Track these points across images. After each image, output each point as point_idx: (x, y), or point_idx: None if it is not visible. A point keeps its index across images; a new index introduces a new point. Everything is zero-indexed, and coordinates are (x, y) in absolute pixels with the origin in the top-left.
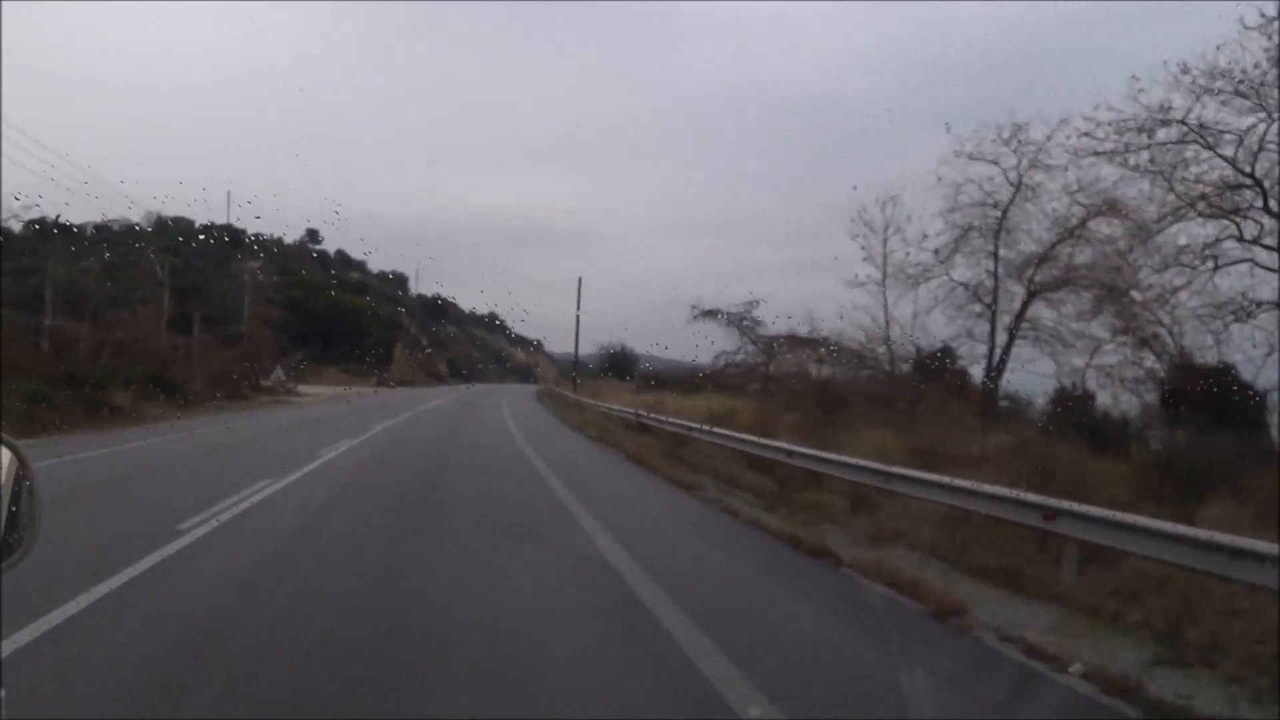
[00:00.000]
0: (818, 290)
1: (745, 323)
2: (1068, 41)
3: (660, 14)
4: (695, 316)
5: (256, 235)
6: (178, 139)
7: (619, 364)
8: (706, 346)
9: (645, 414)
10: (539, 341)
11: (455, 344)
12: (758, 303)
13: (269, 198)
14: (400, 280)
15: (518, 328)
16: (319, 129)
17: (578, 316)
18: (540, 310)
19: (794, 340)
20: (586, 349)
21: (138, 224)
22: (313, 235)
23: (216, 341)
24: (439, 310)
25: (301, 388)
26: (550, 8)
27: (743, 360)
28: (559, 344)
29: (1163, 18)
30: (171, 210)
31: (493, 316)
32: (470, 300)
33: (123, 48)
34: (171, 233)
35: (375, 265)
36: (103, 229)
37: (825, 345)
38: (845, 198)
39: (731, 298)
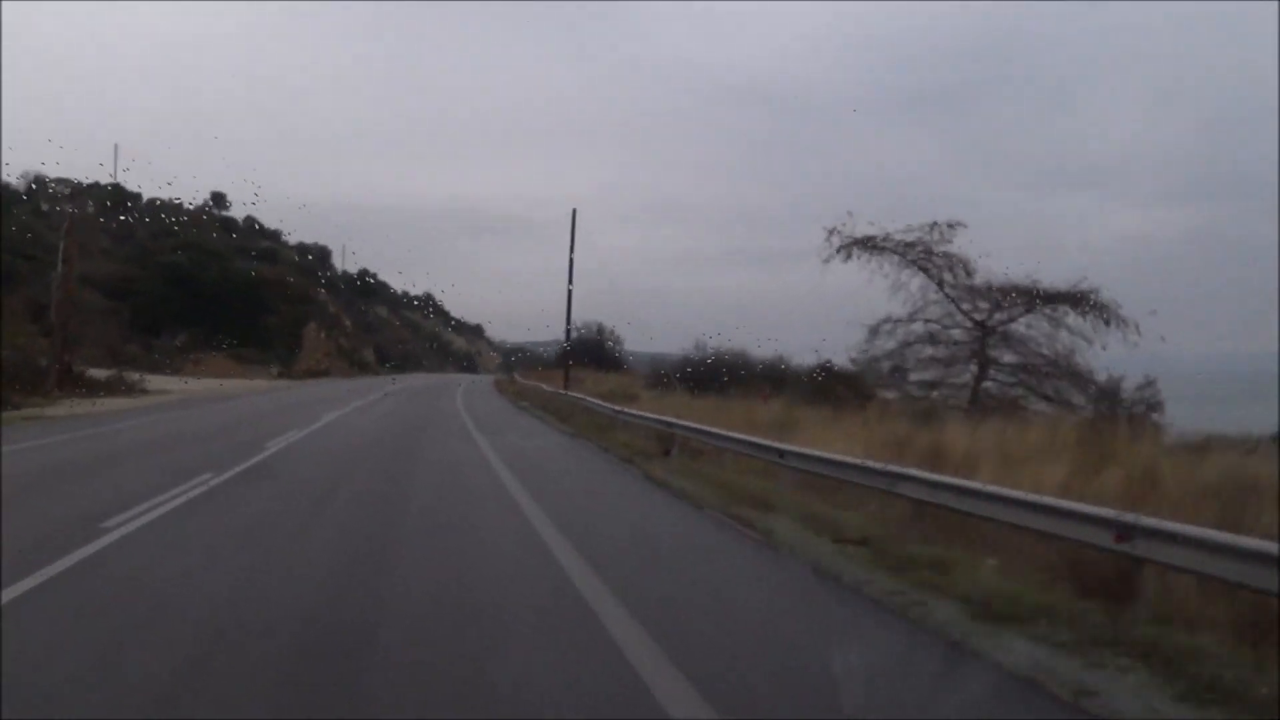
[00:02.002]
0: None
1: (934, 259)
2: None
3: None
4: (837, 251)
5: (153, 199)
6: (100, 113)
7: (595, 350)
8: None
9: None
10: (480, 326)
11: (386, 328)
12: (954, 226)
13: (179, 165)
14: (322, 254)
15: (458, 311)
16: (256, 108)
17: (571, 260)
18: (481, 296)
19: (1028, 295)
20: (539, 335)
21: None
22: (219, 199)
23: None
24: (367, 288)
25: (165, 381)
26: None
27: (937, 332)
28: (501, 331)
29: None
30: (56, 172)
31: (429, 298)
32: (405, 282)
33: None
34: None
35: (297, 238)
36: None
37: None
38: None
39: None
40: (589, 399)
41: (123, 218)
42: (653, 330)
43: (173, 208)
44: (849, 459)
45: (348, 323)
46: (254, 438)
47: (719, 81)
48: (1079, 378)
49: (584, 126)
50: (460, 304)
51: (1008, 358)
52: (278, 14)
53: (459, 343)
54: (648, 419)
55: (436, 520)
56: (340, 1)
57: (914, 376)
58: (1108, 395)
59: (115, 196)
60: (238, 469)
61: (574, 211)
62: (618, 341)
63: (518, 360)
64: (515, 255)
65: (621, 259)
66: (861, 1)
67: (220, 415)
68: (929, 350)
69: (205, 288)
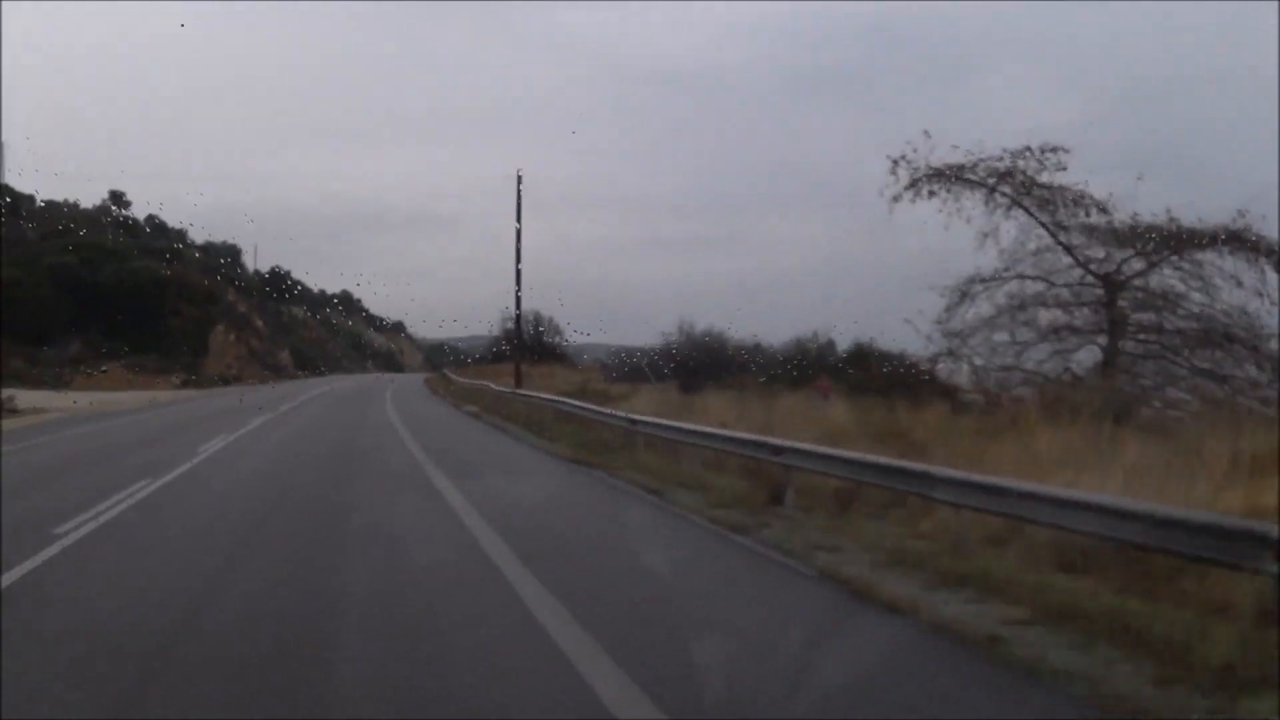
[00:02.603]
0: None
1: (1036, 194)
2: None
3: None
4: (908, 188)
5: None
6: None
7: (533, 342)
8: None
9: None
10: (401, 323)
11: (303, 328)
12: (1055, 151)
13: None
14: (231, 253)
15: (376, 309)
16: (155, 111)
17: (519, 232)
18: (398, 294)
19: (1175, 237)
20: (460, 331)
21: None
22: (117, 198)
23: None
24: (281, 287)
25: (48, 398)
26: None
27: (1044, 291)
28: (420, 328)
29: None
30: None
31: (347, 296)
32: (320, 280)
33: None
34: None
35: (204, 236)
36: None
37: None
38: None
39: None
40: (562, 400)
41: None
42: (582, 321)
43: (68, 208)
44: None
45: (260, 324)
46: (57, 506)
47: (629, 67)
48: (1257, 345)
49: (493, 117)
50: (376, 302)
51: (1153, 322)
52: (176, 11)
53: (380, 341)
54: (707, 436)
55: None
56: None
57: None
58: None
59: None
60: None
61: (519, 175)
62: (558, 332)
63: (447, 357)
64: (429, 250)
65: (541, 250)
66: None
67: (66, 447)
68: (1052, 315)
69: (100, 290)
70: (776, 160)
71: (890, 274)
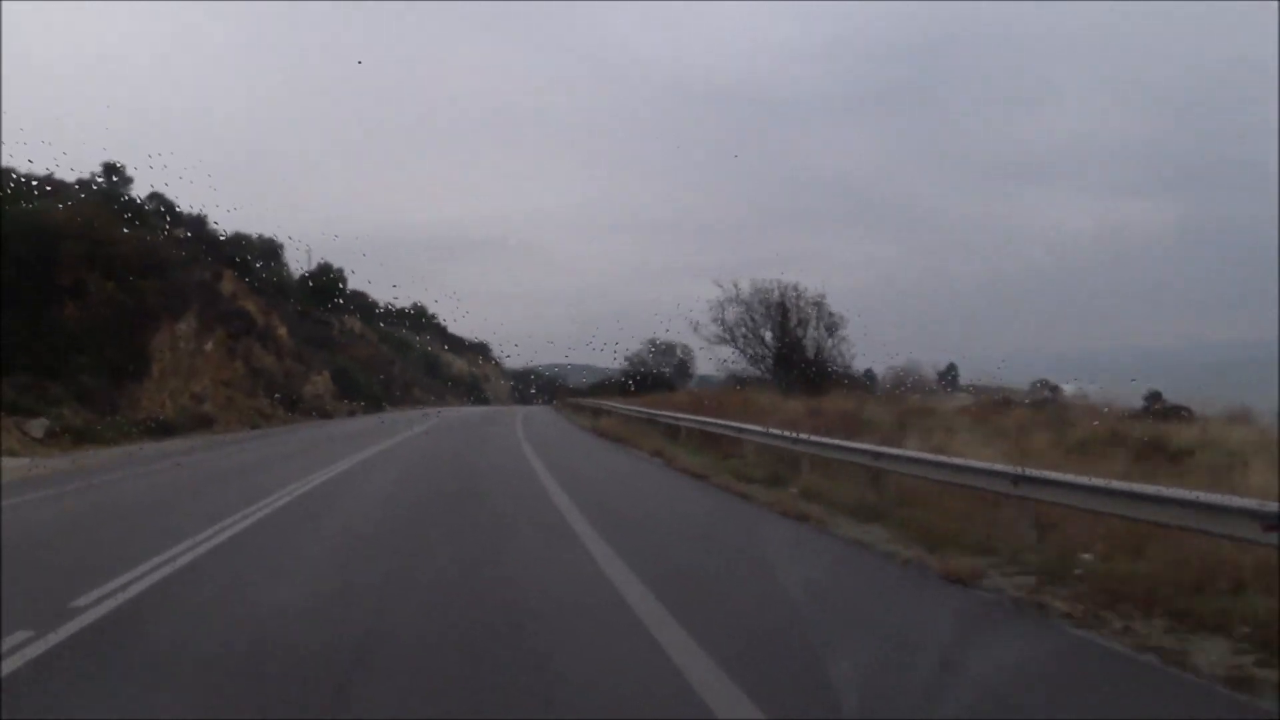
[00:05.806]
0: None
1: None
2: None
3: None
4: None
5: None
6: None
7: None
8: None
9: None
10: (486, 345)
11: (356, 344)
12: None
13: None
14: (269, 247)
15: (456, 327)
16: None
17: None
18: (477, 319)
19: None
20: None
21: None
22: (115, 172)
23: None
24: (330, 290)
25: None
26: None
27: None
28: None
29: None
30: None
31: (420, 310)
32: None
33: None
34: None
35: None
36: None
37: None
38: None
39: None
40: None
41: None
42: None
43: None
44: None
45: (283, 331)
46: None
47: (678, 85)
48: None
49: (543, 139)
50: (454, 323)
51: None
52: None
53: (459, 365)
54: None
55: None
56: None
57: None
58: None
59: None
60: None
61: None
62: (834, 329)
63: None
64: (495, 277)
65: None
66: (817, 1)
67: None
68: None
69: None
70: (827, 179)
71: None
